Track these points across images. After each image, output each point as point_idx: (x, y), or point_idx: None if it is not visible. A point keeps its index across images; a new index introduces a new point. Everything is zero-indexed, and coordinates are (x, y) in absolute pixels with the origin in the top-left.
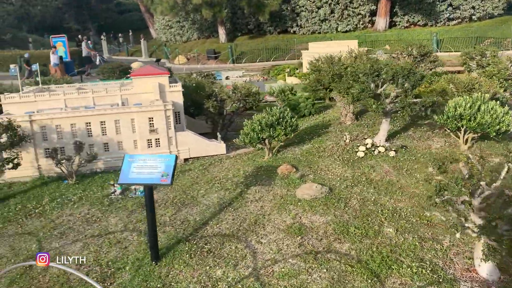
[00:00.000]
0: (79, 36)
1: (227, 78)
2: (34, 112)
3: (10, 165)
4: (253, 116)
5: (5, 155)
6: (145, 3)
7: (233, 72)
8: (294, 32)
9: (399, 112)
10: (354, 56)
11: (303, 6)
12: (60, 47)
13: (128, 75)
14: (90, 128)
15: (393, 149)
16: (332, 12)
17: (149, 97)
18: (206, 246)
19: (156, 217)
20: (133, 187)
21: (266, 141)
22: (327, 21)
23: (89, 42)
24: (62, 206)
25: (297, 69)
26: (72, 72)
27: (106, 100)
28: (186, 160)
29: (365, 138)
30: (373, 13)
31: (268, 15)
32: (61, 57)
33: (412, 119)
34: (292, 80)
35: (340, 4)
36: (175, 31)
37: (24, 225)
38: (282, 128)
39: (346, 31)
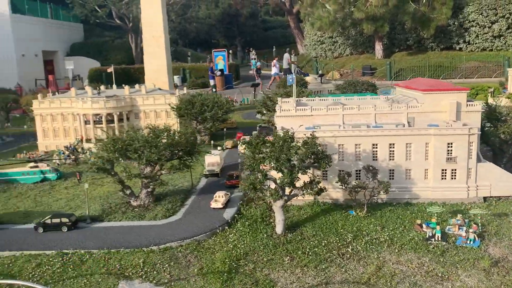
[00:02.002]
0: (247, 51)
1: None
2: (315, 128)
3: (315, 189)
4: None
5: (300, 177)
6: (302, 18)
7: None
8: (460, 49)
9: None
10: None
11: (473, 21)
12: (220, 61)
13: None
14: (376, 151)
15: None
16: (509, 27)
17: (440, 117)
18: None
19: None
20: (459, 232)
21: None
22: (501, 38)
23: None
24: (377, 247)
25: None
26: (229, 85)
27: (388, 118)
28: (485, 199)
29: None
30: None
31: (433, 30)
32: (221, 70)
33: None
34: (502, 101)
35: None
36: (327, 46)
37: (348, 269)
38: None
39: None
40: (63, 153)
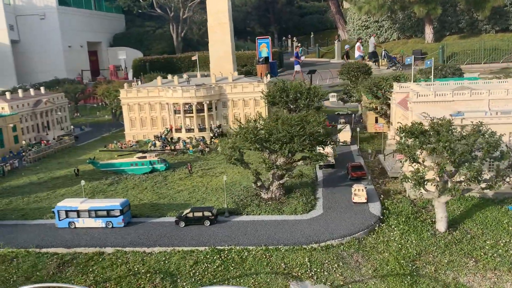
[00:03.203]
0: (291, 38)
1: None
2: (462, 115)
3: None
4: None
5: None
6: (349, 2)
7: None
8: None
9: None
10: None
11: None
12: (263, 48)
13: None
14: None
15: None
16: None
17: None
18: None
19: None
20: None
21: None
22: None
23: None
24: None
25: None
26: (268, 72)
27: None
28: None
29: None
30: None
31: (489, 11)
32: (266, 58)
33: None
34: None
35: None
36: (372, 31)
37: None
38: None
39: None
40: (155, 144)
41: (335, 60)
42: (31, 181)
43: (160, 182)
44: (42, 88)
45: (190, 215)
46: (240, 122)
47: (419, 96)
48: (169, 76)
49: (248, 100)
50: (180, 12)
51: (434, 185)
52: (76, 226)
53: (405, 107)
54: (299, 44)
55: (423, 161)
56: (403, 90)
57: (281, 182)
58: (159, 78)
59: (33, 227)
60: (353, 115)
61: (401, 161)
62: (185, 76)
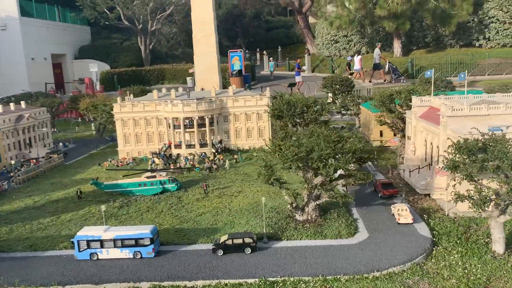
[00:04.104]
0: (260, 51)
1: None
2: (503, 130)
3: None
4: None
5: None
6: (319, 17)
7: None
8: (480, 46)
9: None
10: None
11: (493, 17)
12: (236, 61)
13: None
14: None
15: None
16: None
17: None
18: None
19: None
20: None
21: None
22: None
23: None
24: None
25: None
26: (248, 85)
27: None
28: None
29: None
30: None
31: (454, 27)
32: (240, 71)
33: None
34: None
35: None
36: (341, 45)
37: None
38: None
39: None
40: (154, 161)
41: (306, 74)
42: (27, 205)
43: (175, 204)
44: (22, 103)
45: (229, 242)
46: (276, 139)
47: (454, 110)
48: (164, 90)
49: (250, 114)
50: (148, 24)
51: (494, 204)
52: (99, 257)
53: (432, 121)
54: (271, 58)
55: (478, 180)
56: (424, 104)
57: (317, 202)
58: (155, 91)
59: (47, 259)
60: (357, 128)
61: (455, 180)
62: (180, 89)
